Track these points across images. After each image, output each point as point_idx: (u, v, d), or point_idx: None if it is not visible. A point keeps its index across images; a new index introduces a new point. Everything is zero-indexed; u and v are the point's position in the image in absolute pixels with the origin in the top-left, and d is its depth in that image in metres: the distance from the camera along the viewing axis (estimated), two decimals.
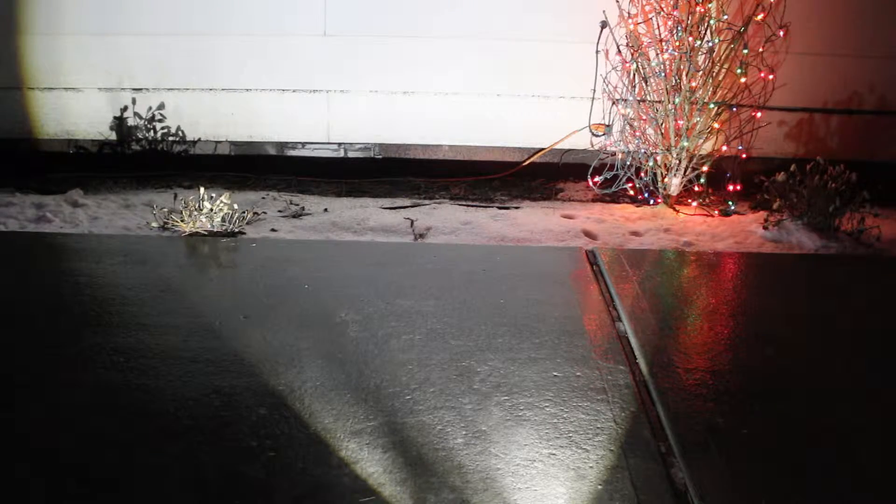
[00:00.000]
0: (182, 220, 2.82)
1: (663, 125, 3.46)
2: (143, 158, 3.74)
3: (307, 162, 3.84)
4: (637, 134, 3.58)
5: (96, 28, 3.57)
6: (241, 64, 3.68)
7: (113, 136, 3.75)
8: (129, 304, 2.19)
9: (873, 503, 1.53)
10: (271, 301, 2.23)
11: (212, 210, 2.82)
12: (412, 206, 3.40)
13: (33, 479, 1.44)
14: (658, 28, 3.38)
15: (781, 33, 3.36)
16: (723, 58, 3.33)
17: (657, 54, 3.40)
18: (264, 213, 3.19)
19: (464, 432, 1.63)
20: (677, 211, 3.45)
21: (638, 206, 3.52)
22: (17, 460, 1.49)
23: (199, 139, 3.79)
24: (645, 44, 3.44)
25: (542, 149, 3.83)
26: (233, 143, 3.84)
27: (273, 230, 3.01)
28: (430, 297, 2.26)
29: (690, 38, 3.28)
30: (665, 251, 2.83)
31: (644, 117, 3.55)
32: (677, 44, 3.31)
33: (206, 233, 2.83)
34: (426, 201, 3.49)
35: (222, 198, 2.86)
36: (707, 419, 1.73)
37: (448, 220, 3.19)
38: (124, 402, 1.69)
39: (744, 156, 3.52)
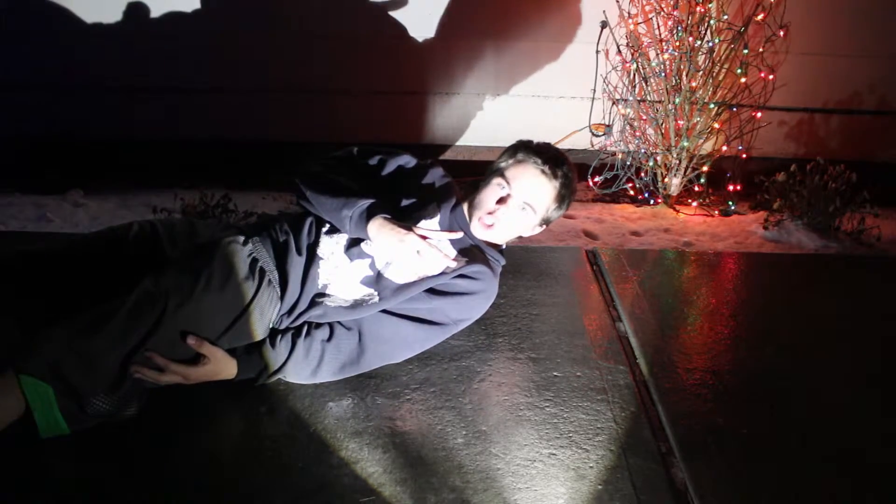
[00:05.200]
0: None
1: (663, 125, 3.46)
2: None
3: None
4: (637, 134, 3.59)
5: None
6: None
7: None
8: None
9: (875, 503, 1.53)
10: None
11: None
12: None
13: None
14: (658, 28, 3.38)
15: (781, 33, 3.36)
16: (723, 58, 3.33)
17: (657, 54, 3.40)
18: (264, 213, 3.19)
19: (464, 432, 1.63)
20: (677, 211, 3.46)
21: (638, 206, 3.53)
22: None
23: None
24: (645, 44, 3.44)
25: None
26: None
27: None
28: None
29: (690, 38, 3.28)
30: (665, 251, 2.83)
31: (644, 117, 3.55)
32: (677, 44, 3.31)
33: None
34: None
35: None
36: (707, 419, 1.73)
37: None
38: None
39: (744, 156, 3.52)
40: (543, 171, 1.86)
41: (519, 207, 1.87)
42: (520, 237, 1.99)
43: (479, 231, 1.90)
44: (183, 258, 1.64)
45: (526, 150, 1.90)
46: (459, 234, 1.85)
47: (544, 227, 1.98)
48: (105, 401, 1.47)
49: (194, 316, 1.54)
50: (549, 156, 1.88)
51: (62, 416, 1.43)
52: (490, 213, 1.87)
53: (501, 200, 1.87)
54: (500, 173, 1.90)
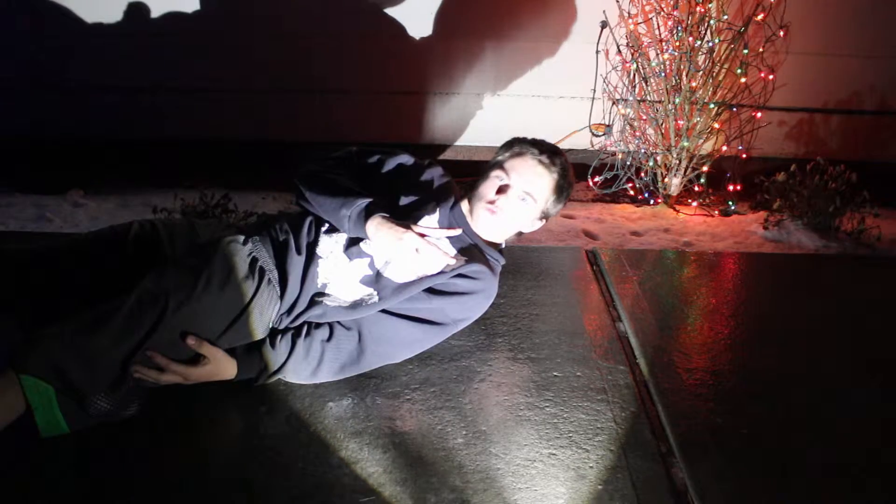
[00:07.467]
0: None
1: (663, 125, 3.46)
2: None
3: None
4: (637, 134, 3.58)
5: None
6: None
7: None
8: None
9: (874, 503, 1.53)
10: None
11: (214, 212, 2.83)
12: None
13: None
14: (658, 28, 3.38)
15: (781, 33, 3.36)
16: (723, 58, 3.33)
17: (657, 54, 3.40)
18: (264, 213, 3.19)
19: (464, 432, 1.63)
20: (677, 211, 3.46)
21: (638, 206, 3.52)
22: None
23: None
24: (645, 44, 3.44)
25: None
26: None
27: None
28: None
29: (690, 38, 3.28)
30: (665, 251, 2.83)
31: (644, 117, 3.55)
32: (677, 44, 3.31)
33: None
34: None
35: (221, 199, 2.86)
36: (707, 419, 1.73)
37: None
38: None
39: (744, 156, 3.52)
40: (541, 162, 1.88)
41: (519, 197, 1.88)
42: (519, 234, 1.99)
43: (482, 222, 1.91)
44: (183, 257, 1.64)
45: (522, 143, 1.94)
46: (458, 231, 1.85)
47: (544, 221, 1.99)
48: (106, 400, 1.47)
49: (194, 316, 1.53)
50: (545, 147, 1.93)
51: (62, 416, 1.43)
52: (491, 203, 1.87)
53: (501, 190, 1.88)
54: (499, 166, 1.91)
